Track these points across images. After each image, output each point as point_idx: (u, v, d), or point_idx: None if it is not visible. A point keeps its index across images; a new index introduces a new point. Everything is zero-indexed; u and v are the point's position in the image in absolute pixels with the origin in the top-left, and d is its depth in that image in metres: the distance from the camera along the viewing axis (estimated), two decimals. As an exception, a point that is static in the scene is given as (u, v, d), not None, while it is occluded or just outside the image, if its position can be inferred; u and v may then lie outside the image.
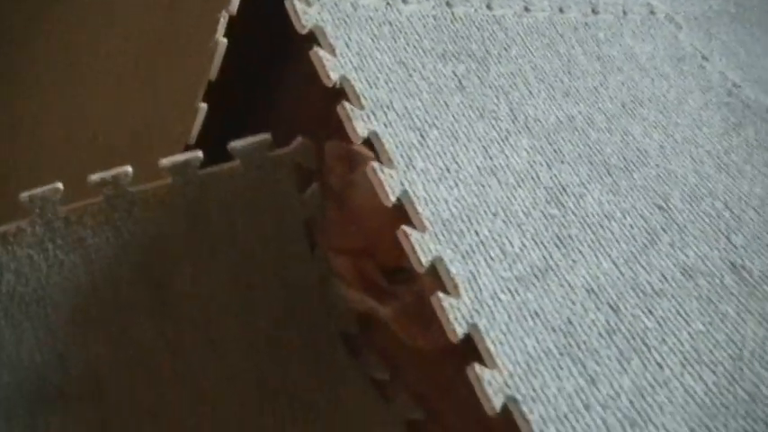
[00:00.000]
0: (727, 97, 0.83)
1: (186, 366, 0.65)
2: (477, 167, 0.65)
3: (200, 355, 0.66)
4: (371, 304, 0.68)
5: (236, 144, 0.63)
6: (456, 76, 0.69)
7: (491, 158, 0.66)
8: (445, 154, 0.64)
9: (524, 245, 0.62)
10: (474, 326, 0.56)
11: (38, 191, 0.62)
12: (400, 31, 0.69)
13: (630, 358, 0.61)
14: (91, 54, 0.79)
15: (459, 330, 0.55)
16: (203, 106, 0.66)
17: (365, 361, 0.67)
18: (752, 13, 0.96)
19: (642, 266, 0.66)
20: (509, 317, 0.58)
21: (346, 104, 0.60)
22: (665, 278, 0.66)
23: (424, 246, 0.57)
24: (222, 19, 0.65)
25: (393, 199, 0.59)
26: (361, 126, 0.60)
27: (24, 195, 0.62)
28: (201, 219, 0.64)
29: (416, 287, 0.67)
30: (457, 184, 0.63)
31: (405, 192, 0.59)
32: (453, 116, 0.66)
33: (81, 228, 0.63)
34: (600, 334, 0.61)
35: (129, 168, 0.62)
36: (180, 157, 0.62)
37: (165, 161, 0.62)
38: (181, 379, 0.65)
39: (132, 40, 0.76)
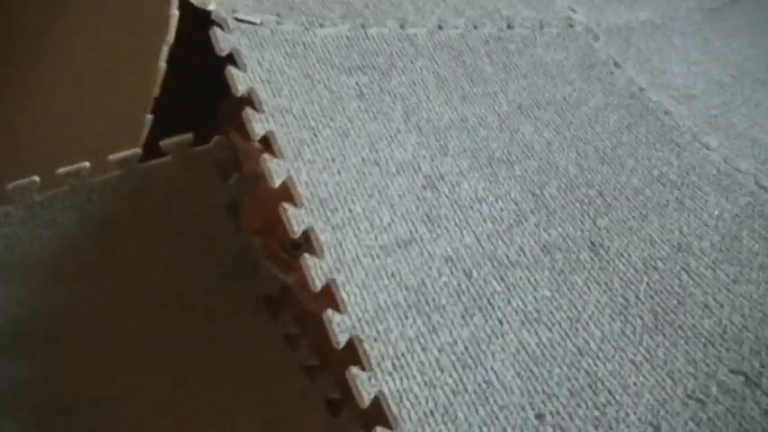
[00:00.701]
0: (629, 99, 0.98)
1: (132, 318, 0.85)
2: (362, 159, 0.82)
3: (143, 310, 0.86)
4: (278, 275, 0.86)
5: (165, 141, 0.83)
6: (358, 85, 0.87)
7: (377, 152, 0.83)
8: (333, 148, 0.82)
9: (393, 221, 0.80)
10: (332, 280, 0.74)
11: (19, 182, 0.83)
12: (312, 50, 0.88)
13: (473, 314, 0.77)
14: (67, 75, 1.01)
15: (319, 283, 0.73)
16: (149, 117, 0.86)
17: (282, 320, 0.86)
18: (676, 23, 1.09)
19: (503, 242, 0.82)
20: (366, 275, 0.75)
21: (248, 109, 0.79)
22: (524, 252, 0.82)
23: (298, 218, 0.75)
24: (164, 47, 0.85)
25: (278, 183, 0.77)
26: (258, 127, 0.79)
27: (9, 186, 0.83)
28: (143, 201, 0.84)
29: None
30: (339, 172, 0.81)
31: (290, 177, 0.78)
32: (348, 118, 0.84)
33: (53, 210, 0.84)
34: (449, 294, 0.78)
35: (87, 164, 0.83)
36: (123, 154, 0.82)
37: (112, 157, 0.83)
38: (127, 328, 0.86)
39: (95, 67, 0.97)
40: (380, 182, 0.81)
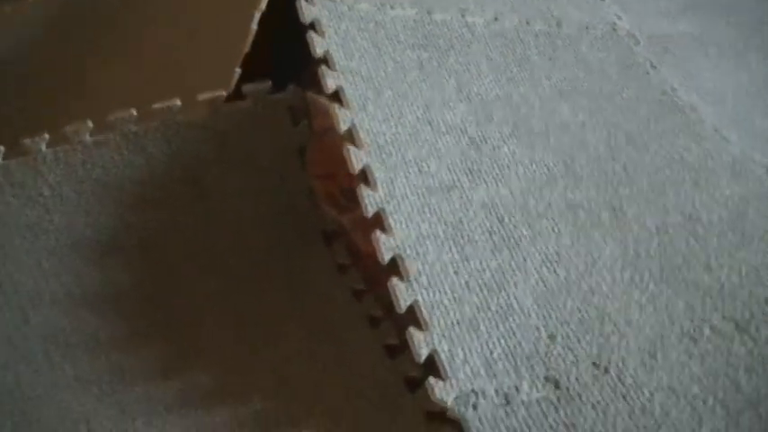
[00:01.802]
0: (660, 96, 1.15)
1: (209, 238, 1.03)
2: (417, 117, 1.00)
3: (220, 231, 1.04)
4: (335, 216, 1.04)
5: (246, 87, 1.02)
6: (419, 59, 1.06)
7: (430, 113, 1.01)
8: (393, 106, 1.00)
9: (439, 169, 0.97)
10: (382, 209, 0.91)
11: (119, 114, 1.03)
12: (382, 27, 1.07)
13: (501, 250, 0.94)
14: (167, 26, 1.22)
15: (371, 210, 0.91)
16: (238, 70, 1.05)
17: (335, 248, 1.04)
18: (713, 36, 1.26)
19: (534, 197, 0.99)
20: (411, 209, 0.93)
21: (323, 66, 0.98)
22: (551, 207, 0.99)
23: (358, 157, 0.94)
24: (257, 12, 1.05)
25: (344, 128, 0.96)
26: (331, 82, 0.98)
27: (111, 116, 1.03)
28: (225, 139, 1.03)
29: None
30: (396, 126, 0.99)
31: (354, 125, 0.96)
32: (408, 84, 1.02)
33: (145, 140, 1.04)
34: (482, 232, 0.94)
35: (178, 101, 1.02)
36: (210, 94, 1.02)
37: (201, 96, 1.02)
38: (206, 245, 1.04)
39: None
40: (431, 137, 0.98)
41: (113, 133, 1.02)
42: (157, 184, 1.03)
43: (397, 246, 0.88)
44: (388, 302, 0.89)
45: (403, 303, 0.84)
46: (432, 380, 0.80)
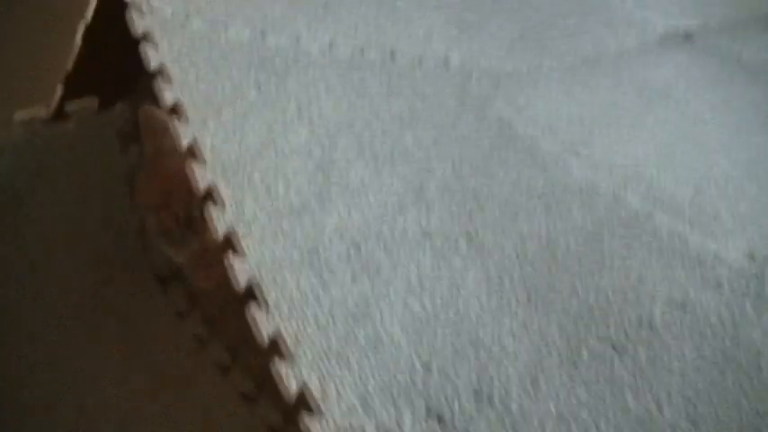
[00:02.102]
0: (499, 127, 1.12)
1: (30, 271, 0.89)
2: (260, 139, 0.91)
3: (41, 266, 0.90)
4: (170, 254, 0.93)
5: (70, 105, 0.89)
6: (257, 81, 0.97)
7: (273, 135, 0.92)
8: (234, 125, 0.90)
9: (287, 192, 0.88)
10: (233, 230, 0.81)
11: None
12: (216, 47, 0.97)
13: (362, 278, 0.85)
14: None
15: (220, 231, 0.80)
16: (60, 87, 0.92)
17: (171, 294, 0.92)
18: (541, 73, 1.26)
19: (387, 224, 0.91)
20: (263, 231, 0.83)
21: (159, 79, 0.87)
22: (406, 234, 0.92)
23: (202, 175, 0.83)
24: (81, 24, 0.93)
25: (185, 144, 0.85)
26: (168, 96, 0.87)
27: None
28: (45, 165, 0.90)
29: (203, 238, 0.93)
30: (239, 145, 0.89)
31: (195, 139, 0.85)
32: (247, 104, 0.93)
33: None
34: (339, 259, 0.86)
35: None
36: (28, 113, 0.88)
37: (18, 115, 0.89)
38: (26, 280, 0.89)
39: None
40: (276, 159, 0.90)
41: None
42: None
43: (252, 271, 0.77)
44: (235, 346, 0.79)
45: (265, 334, 0.73)
46: (306, 418, 0.70)
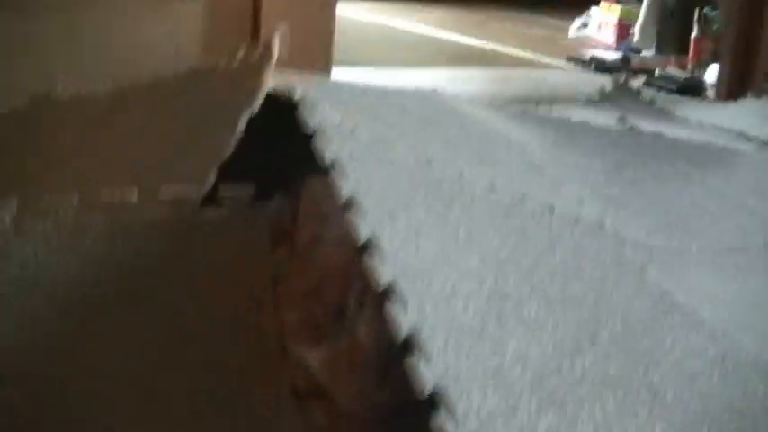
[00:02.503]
0: (658, 298, 1.04)
1: (140, 387, 0.78)
2: (434, 254, 0.84)
3: (161, 365, 0.79)
4: (310, 357, 0.82)
5: (224, 189, 0.82)
6: (425, 200, 0.91)
7: (445, 253, 0.85)
8: (409, 234, 0.83)
9: (466, 310, 0.80)
10: (416, 331, 0.72)
11: (53, 199, 0.80)
12: (384, 160, 0.92)
13: (548, 410, 0.76)
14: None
15: (402, 331, 0.71)
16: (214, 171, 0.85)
17: (310, 413, 0.81)
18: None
19: (567, 362, 0.82)
20: (446, 344, 0.74)
21: (334, 173, 0.81)
22: (587, 374, 0.83)
23: (381, 272, 0.75)
24: (246, 113, 0.88)
25: (363, 237, 0.77)
26: (344, 188, 0.80)
27: (46, 198, 0.79)
28: (186, 252, 0.81)
29: (354, 335, 0.83)
30: (416, 255, 0.81)
31: (374, 235, 0.78)
32: (419, 220, 0.87)
33: (84, 235, 0.80)
34: (523, 385, 0.76)
35: (134, 194, 0.81)
36: (177, 191, 0.81)
37: (164, 194, 0.81)
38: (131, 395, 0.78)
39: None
40: (452, 277, 0.82)
41: (43, 221, 0.78)
42: (87, 293, 0.79)
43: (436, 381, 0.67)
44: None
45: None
46: None
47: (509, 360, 0.77)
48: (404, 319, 0.71)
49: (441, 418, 0.65)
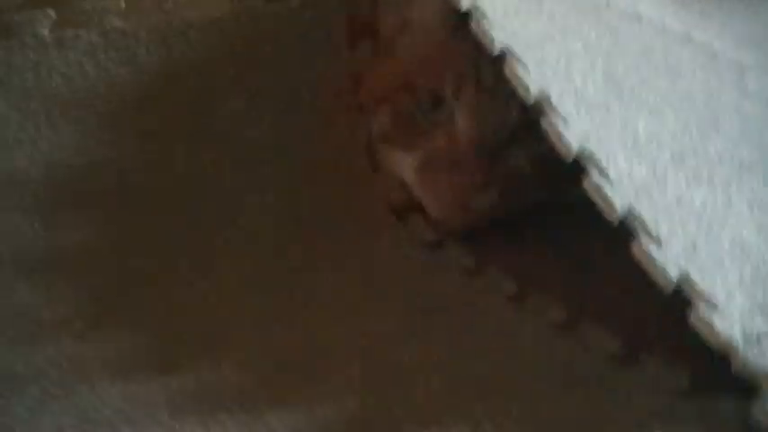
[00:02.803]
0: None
1: (219, 197, 0.66)
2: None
3: (235, 190, 0.67)
4: (404, 163, 0.71)
5: None
6: None
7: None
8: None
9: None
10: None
11: (100, 2, 0.67)
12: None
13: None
14: None
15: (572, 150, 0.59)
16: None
17: (413, 224, 0.69)
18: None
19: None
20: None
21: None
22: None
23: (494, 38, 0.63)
24: None
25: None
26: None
27: (86, 4, 0.67)
28: (253, 52, 0.68)
29: (451, 128, 0.71)
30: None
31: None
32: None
33: (135, 42, 0.67)
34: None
35: (187, -9, 0.68)
36: None
37: None
38: (210, 208, 0.66)
39: None
40: (563, 55, 0.70)
41: (86, 29, 0.65)
42: (147, 110, 0.66)
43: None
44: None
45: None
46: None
47: (643, 137, 0.65)
48: (530, 79, 0.59)
49: (594, 179, 0.53)
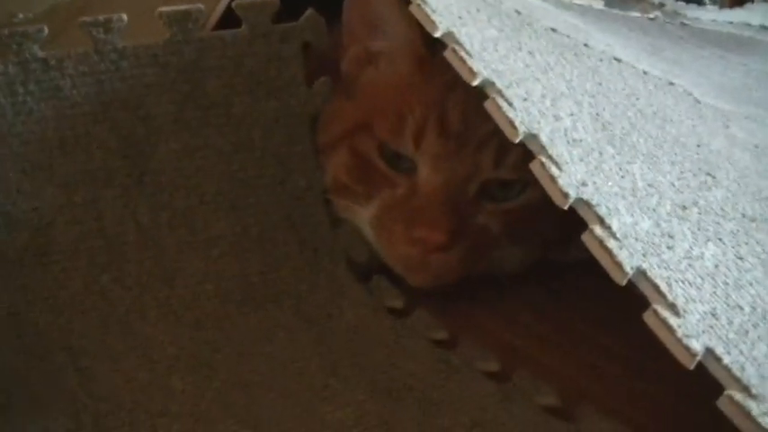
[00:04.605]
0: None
1: (156, 255, 0.55)
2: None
3: (174, 245, 0.56)
4: (356, 209, 0.61)
5: (242, 3, 0.59)
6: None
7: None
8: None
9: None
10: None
11: (19, 28, 0.56)
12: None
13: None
14: None
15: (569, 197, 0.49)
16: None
17: (376, 287, 0.58)
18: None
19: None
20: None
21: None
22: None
23: (471, 69, 0.53)
24: None
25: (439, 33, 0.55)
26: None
27: (5, 31, 0.56)
28: (197, 86, 0.58)
29: (413, 179, 0.61)
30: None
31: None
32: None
33: (60, 75, 0.57)
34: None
35: (124, 15, 0.58)
36: (180, 8, 0.58)
37: (164, 9, 0.58)
38: (148, 268, 0.55)
39: None
40: (548, 93, 0.60)
41: (2, 60, 0.55)
42: (71, 153, 0.57)
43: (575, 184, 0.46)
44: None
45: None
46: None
47: (641, 186, 0.56)
48: (515, 115, 0.48)
49: (596, 233, 0.43)
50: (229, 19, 0.63)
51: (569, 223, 0.48)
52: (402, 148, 0.61)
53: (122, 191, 0.58)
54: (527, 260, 0.66)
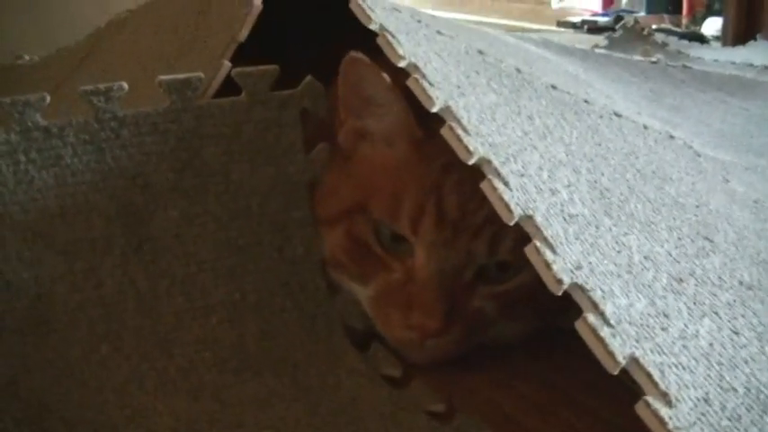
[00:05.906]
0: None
1: (155, 323, 0.55)
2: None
3: (173, 313, 0.55)
4: (353, 286, 0.61)
5: (241, 71, 0.59)
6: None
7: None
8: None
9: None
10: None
11: (22, 96, 0.56)
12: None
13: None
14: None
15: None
16: (227, 64, 0.63)
17: (374, 356, 0.58)
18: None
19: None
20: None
21: (386, 34, 0.58)
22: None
23: (468, 146, 0.53)
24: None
25: (437, 108, 0.55)
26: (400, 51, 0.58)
27: (7, 100, 0.56)
28: (195, 154, 0.58)
29: (409, 262, 0.61)
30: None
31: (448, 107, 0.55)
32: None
33: (61, 144, 0.57)
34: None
35: (124, 84, 0.58)
36: (180, 77, 0.58)
37: (164, 78, 0.58)
38: (146, 336, 0.55)
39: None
40: (546, 163, 0.60)
41: (3, 127, 0.55)
42: (72, 222, 0.57)
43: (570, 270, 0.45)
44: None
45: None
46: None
47: (637, 259, 0.55)
48: (510, 197, 0.48)
49: (590, 320, 0.42)
50: (230, 86, 0.63)
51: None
52: (399, 229, 0.60)
53: (122, 259, 0.58)
54: (525, 332, 0.66)
